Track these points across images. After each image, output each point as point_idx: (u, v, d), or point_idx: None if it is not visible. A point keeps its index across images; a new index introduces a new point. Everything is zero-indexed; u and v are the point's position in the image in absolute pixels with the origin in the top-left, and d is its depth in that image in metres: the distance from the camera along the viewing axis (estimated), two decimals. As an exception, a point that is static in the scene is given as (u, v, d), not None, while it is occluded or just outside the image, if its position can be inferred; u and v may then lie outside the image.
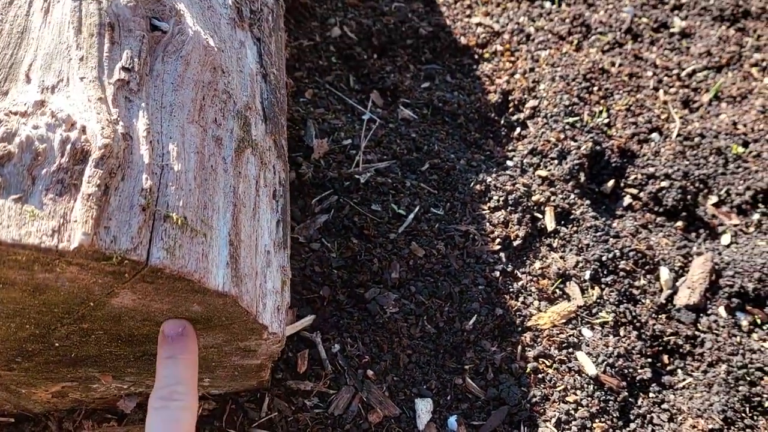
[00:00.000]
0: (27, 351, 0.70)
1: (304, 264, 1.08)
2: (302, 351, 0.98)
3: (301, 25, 1.42)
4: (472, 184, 1.24)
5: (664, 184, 1.32)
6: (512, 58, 1.48)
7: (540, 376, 1.04)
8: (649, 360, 1.09)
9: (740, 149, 1.39)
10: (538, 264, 1.17)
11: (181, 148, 0.66)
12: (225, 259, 0.65)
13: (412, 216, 1.17)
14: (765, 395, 1.06)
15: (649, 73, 1.52)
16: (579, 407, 1.01)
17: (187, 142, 0.67)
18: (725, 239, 1.28)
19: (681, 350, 1.12)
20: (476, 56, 1.47)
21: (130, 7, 0.69)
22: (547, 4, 1.63)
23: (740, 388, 1.06)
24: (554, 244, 1.21)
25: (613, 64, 1.51)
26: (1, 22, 0.65)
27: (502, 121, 1.38)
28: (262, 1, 0.98)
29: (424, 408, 0.98)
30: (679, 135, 1.40)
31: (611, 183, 1.32)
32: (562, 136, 1.33)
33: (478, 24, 1.52)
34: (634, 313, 1.14)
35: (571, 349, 1.07)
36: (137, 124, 0.63)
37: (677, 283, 1.21)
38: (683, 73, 1.54)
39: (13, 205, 0.53)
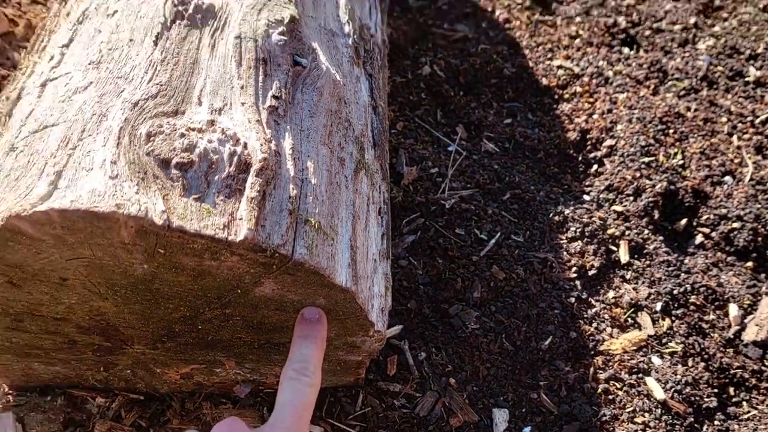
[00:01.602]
0: (173, 331, 0.82)
1: (393, 278, 1.18)
2: (391, 356, 1.08)
3: (395, 64, 1.55)
4: (550, 215, 1.33)
5: (735, 225, 1.37)
6: (591, 100, 1.56)
7: (610, 397, 1.10)
8: (716, 390, 1.14)
9: (815, 195, 1.42)
10: (611, 293, 1.24)
11: (316, 165, 0.78)
12: (347, 260, 0.76)
13: (493, 241, 1.26)
14: (834, 433, 1.09)
15: (724, 119, 1.58)
16: (647, 428, 1.06)
17: (320, 160, 0.79)
18: (797, 281, 1.32)
19: (747, 383, 1.16)
20: (556, 96, 1.57)
21: (280, 45, 0.82)
22: (626, 50, 1.71)
23: (809, 423, 1.09)
24: (627, 276, 1.27)
25: (688, 108, 1.58)
26: (177, 54, 0.79)
27: (580, 158, 1.46)
28: (374, 42, 1.11)
29: (501, 417, 1.06)
30: (751, 179, 1.45)
31: (684, 222, 1.38)
32: (637, 174, 1.40)
33: (559, 66, 1.62)
34: (702, 346, 1.19)
35: (640, 375, 1.13)
36: (284, 144, 0.75)
37: (745, 320, 1.25)
38: (757, 121, 1.59)
39: (194, 202, 0.65)
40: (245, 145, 0.71)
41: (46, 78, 0.78)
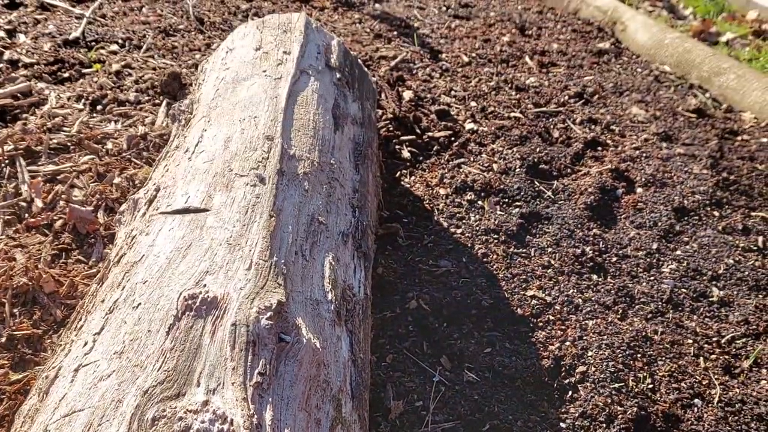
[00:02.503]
0: None
1: None
2: None
3: (386, 299, 1.75)
4: (527, 444, 1.42)
5: (709, 448, 1.44)
6: (563, 327, 1.72)
7: None
8: None
9: (781, 416, 1.51)
10: None
11: (292, 431, 0.93)
12: None
13: (473, 474, 1.35)
14: None
15: (690, 341, 1.71)
16: None
17: (297, 426, 0.94)
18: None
19: None
20: (531, 325, 1.73)
21: (267, 328, 1.01)
22: (594, 277, 1.90)
23: None
24: (605, 506, 1.33)
25: (655, 332, 1.73)
26: (184, 341, 0.98)
27: (555, 384, 1.59)
28: (356, 301, 1.30)
29: None
30: (720, 401, 1.55)
31: (658, 446, 1.46)
32: (609, 400, 1.52)
33: (533, 297, 1.80)
34: None
35: None
36: (265, 415, 0.91)
37: None
38: (723, 340, 1.72)
39: (186, 478, 0.80)
40: (231, 422, 0.87)
41: (79, 363, 0.97)
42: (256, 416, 0.89)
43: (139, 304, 1.04)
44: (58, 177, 1.91)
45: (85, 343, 1.01)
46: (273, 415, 0.92)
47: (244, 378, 0.94)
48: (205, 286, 1.07)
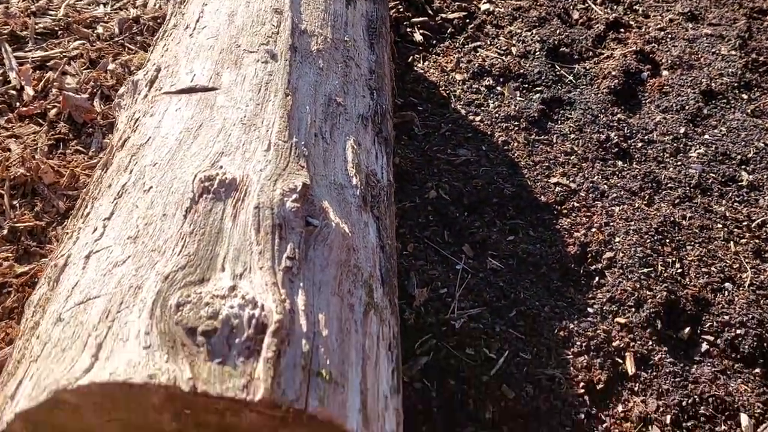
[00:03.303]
0: (200, 475, 0.89)
1: (408, 401, 1.24)
2: (408, 483, 1.12)
3: (404, 189, 1.67)
4: (556, 330, 1.39)
5: (739, 331, 1.41)
6: (588, 214, 1.66)
7: None
8: (733, 506, 1.16)
9: (814, 299, 1.47)
10: (620, 407, 1.28)
11: (327, 316, 0.87)
12: (358, 405, 0.84)
13: (502, 360, 1.32)
14: None
15: (720, 225, 1.65)
16: None
17: (330, 311, 0.88)
18: (805, 387, 1.34)
19: (765, 498, 1.17)
20: (555, 212, 1.66)
21: (293, 211, 0.93)
22: (619, 163, 1.82)
23: None
24: (635, 388, 1.31)
25: (684, 217, 1.66)
26: (204, 225, 0.90)
27: (582, 271, 1.54)
28: (380, 186, 1.22)
29: None
30: (751, 284, 1.51)
31: (688, 330, 1.43)
32: (638, 285, 1.47)
33: (556, 184, 1.72)
34: (716, 459, 1.21)
35: (654, 492, 1.16)
36: (298, 300, 0.85)
37: (758, 430, 1.27)
38: (753, 224, 1.66)
39: (217, 366, 0.74)
40: (262, 307, 0.80)
41: (90, 250, 0.90)
42: (288, 301, 0.82)
43: (151, 187, 0.96)
44: (48, 63, 1.77)
45: (95, 229, 0.93)
46: (305, 300, 0.85)
47: (272, 263, 0.87)
48: (221, 167, 0.97)
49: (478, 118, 1.92)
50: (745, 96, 2.11)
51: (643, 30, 2.39)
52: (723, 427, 1.27)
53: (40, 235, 1.37)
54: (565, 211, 1.66)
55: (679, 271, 1.53)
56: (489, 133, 1.87)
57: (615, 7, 2.53)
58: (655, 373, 1.34)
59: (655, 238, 1.58)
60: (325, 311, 0.87)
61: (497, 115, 1.93)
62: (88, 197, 1.07)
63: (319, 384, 0.79)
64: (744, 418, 1.28)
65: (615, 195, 1.71)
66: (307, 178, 0.98)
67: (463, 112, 1.95)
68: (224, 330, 0.77)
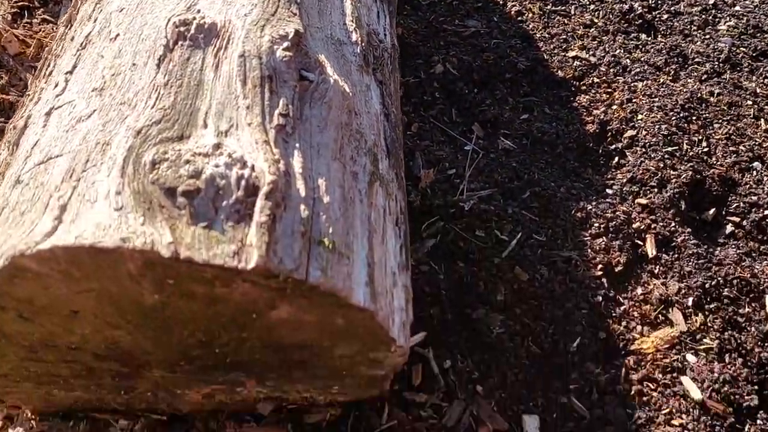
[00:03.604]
0: (191, 355, 0.81)
1: (415, 284, 1.16)
2: (416, 365, 1.06)
3: (407, 63, 1.52)
4: (572, 211, 1.29)
5: (767, 212, 1.32)
6: (609, 90, 1.52)
7: (645, 398, 1.06)
8: (756, 387, 1.10)
9: None
10: (639, 290, 1.20)
11: (328, 182, 0.76)
12: (364, 278, 0.74)
13: (515, 242, 1.23)
14: None
15: (749, 102, 1.52)
16: (685, 430, 1.03)
17: (332, 177, 0.77)
18: (835, 268, 1.26)
19: (789, 379, 1.11)
20: (573, 88, 1.53)
21: (285, 61, 0.80)
22: (643, 36, 1.66)
23: None
24: (656, 271, 1.23)
25: (711, 93, 1.53)
26: (181, 76, 0.77)
27: (601, 151, 1.42)
28: (383, 48, 1.08)
29: (531, 424, 1.03)
30: (783, 163, 1.40)
31: (712, 211, 1.33)
32: (661, 164, 1.36)
33: (575, 57, 1.58)
34: (739, 340, 1.15)
35: (675, 374, 1.10)
36: (293, 162, 0.73)
37: (784, 312, 1.20)
38: (786, 101, 1.53)
39: (202, 231, 0.64)
40: (253, 168, 0.69)
41: (51, 106, 0.77)
42: (282, 162, 0.71)
43: (118, 35, 0.82)
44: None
45: (56, 84, 0.80)
46: (303, 162, 0.74)
47: (262, 119, 0.75)
48: (199, 11, 0.83)
49: (488, -12, 1.74)
50: (779, -35, 1.92)
51: None
52: (747, 309, 1.20)
53: (8, 110, 1.24)
54: (583, 87, 1.53)
55: (706, 149, 1.41)
56: (500, 2, 1.70)
57: None
58: (676, 256, 1.25)
59: (681, 115, 1.46)
60: (325, 176, 0.76)
61: (509, -16, 1.75)
62: (51, 55, 0.93)
63: (321, 253, 0.69)
64: (769, 301, 1.21)
65: (638, 70, 1.56)
66: (299, 26, 0.85)
67: (471, -20, 1.76)
68: (209, 191, 0.66)
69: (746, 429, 1.05)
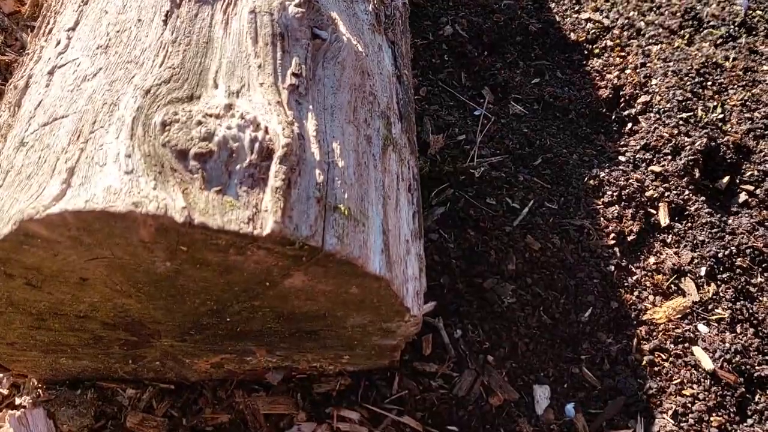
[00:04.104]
0: (201, 324, 0.79)
1: (425, 253, 1.14)
2: (426, 335, 1.04)
3: (415, 25, 1.48)
4: (585, 179, 1.27)
5: (782, 181, 1.29)
6: (622, 53, 1.48)
7: (656, 368, 1.06)
8: (767, 358, 1.09)
9: None
10: (652, 259, 1.19)
11: (342, 146, 0.73)
12: (380, 246, 0.72)
13: (526, 210, 1.21)
14: None
15: (766, 68, 1.48)
16: (696, 401, 1.02)
17: (346, 140, 0.74)
18: None
19: (802, 349, 1.11)
20: (586, 52, 1.49)
21: (297, 18, 0.76)
22: (658, -2, 1.61)
23: None
24: (668, 240, 1.21)
25: (727, 58, 1.49)
26: (189, 33, 0.74)
27: (614, 117, 1.39)
28: (394, 6, 1.04)
29: (542, 394, 1.02)
30: (799, 131, 1.37)
31: (726, 179, 1.31)
32: (675, 131, 1.33)
33: (588, 20, 1.53)
34: (751, 311, 1.13)
35: (687, 344, 1.08)
36: (307, 125, 0.70)
37: (797, 282, 1.19)
38: (803, 66, 1.49)
39: (216, 196, 0.61)
40: (266, 130, 0.66)
41: (53, 65, 0.74)
42: (296, 124, 0.68)
43: (122, -11, 0.78)
44: None
45: (58, 42, 0.77)
46: (317, 125, 0.71)
47: (274, 79, 0.71)
48: (206, -35, 0.79)
49: (498, -53, 1.69)
50: (798, -74, 1.86)
51: None
52: (760, 278, 1.18)
53: (5, 72, 1.20)
54: (596, 50, 1.49)
55: (721, 116, 1.38)
56: (511, -38, 1.64)
57: None
58: (690, 224, 1.23)
59: (696, 80, 1.42)
60: (339, 140, 0.73)
61: (520, -57, 1.69)
62: (50, 12, 0.89)
63: (337, 220, 0.67)
64: (782, 270, 1.19)
65: (652, 33, 1.52)
66: (312, -19, 0.81)
67: (481, -61, 1.70)
68: (221, 154, 0.63)
69: (757, 399, 1.04)
